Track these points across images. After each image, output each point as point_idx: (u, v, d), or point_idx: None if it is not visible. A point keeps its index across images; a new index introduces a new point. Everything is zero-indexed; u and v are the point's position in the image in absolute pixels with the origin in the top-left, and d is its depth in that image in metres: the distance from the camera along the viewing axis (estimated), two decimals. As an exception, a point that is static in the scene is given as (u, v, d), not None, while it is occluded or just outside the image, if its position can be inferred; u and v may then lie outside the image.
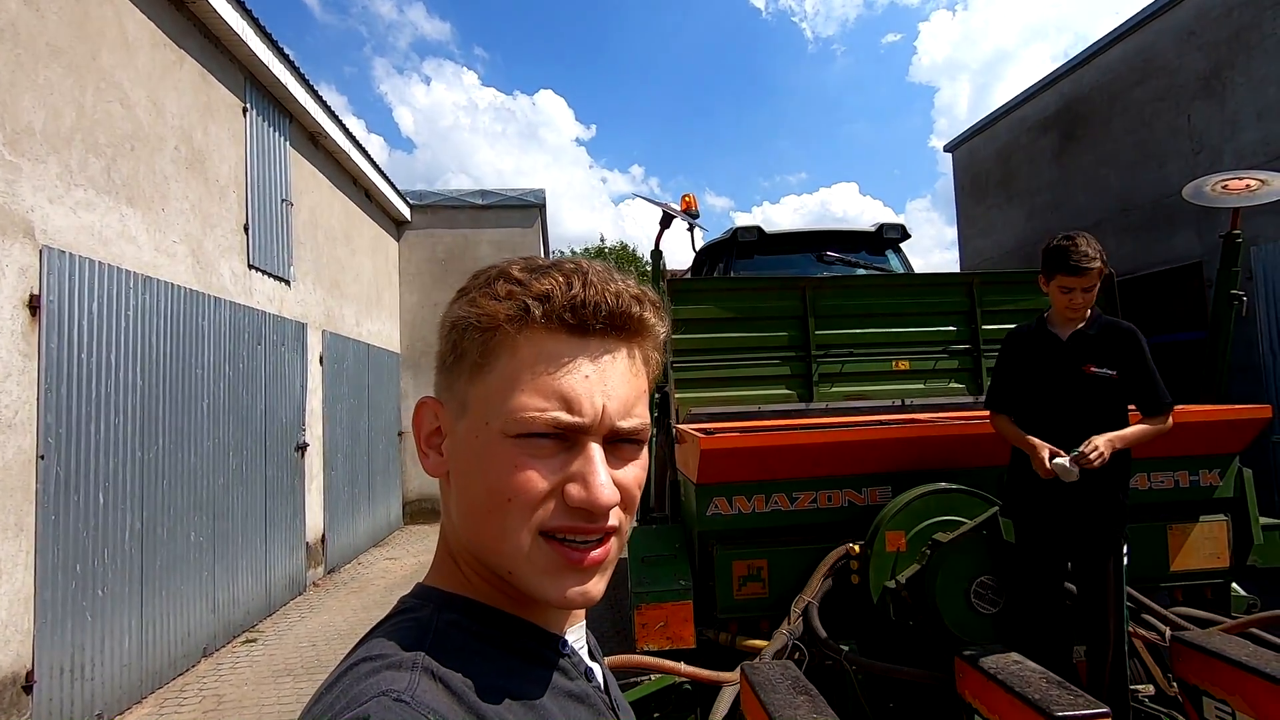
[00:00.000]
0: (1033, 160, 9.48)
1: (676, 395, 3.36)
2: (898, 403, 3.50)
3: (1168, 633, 2.49)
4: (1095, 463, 2.11)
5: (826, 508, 2.79)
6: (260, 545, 5.67)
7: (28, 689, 3.35)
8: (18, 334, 3.40)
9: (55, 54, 3.72)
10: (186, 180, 4.93)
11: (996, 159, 10.28)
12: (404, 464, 10.23)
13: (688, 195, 3.97)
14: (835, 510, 2.80)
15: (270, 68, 5.94)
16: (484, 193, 10.84)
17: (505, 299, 0.49)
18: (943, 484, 2.71)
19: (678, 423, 3.30)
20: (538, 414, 0.47)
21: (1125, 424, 2.29)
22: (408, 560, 7.87)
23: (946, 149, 11.34)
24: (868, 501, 2.80)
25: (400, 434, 10.12)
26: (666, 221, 3.43)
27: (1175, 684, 2.43)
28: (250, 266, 5.79)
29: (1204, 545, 2.88)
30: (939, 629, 2.45)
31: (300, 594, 6.41)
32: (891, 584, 2.55)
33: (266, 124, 6.21)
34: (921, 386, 3.56)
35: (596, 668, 0.57)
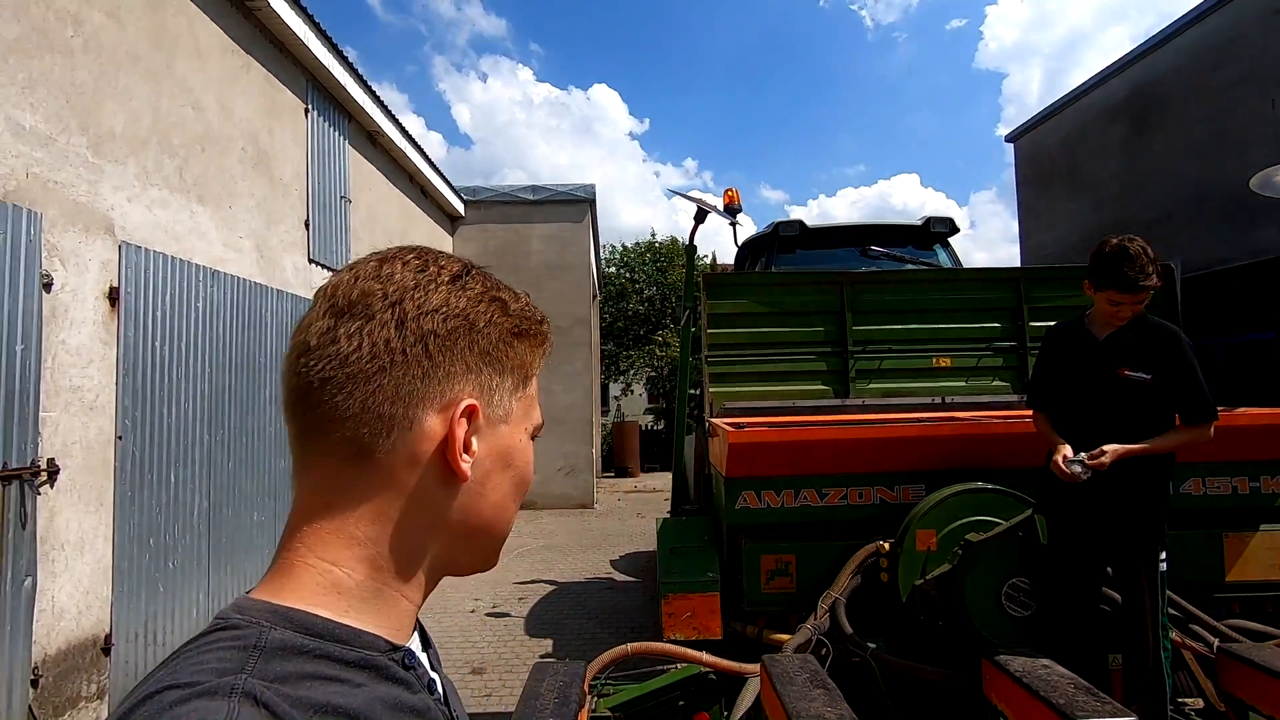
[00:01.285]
0: (1100, 149, 9.05)
1: (711, 389, 3.38)
2: (937, 400, 3.43)
3: (1215, 644, 2.39)
4: (1084, 472, 2.08)
5: (857, 504, 2.77)
6: (318, 526, 5.96)
7: (106, 651, 3.63)
8: (99, 323, 3.68)
9: (134, 62, 3.98)
10: (252, 179, 5.21)
11: (1061, 149, 9.85)
12: (455, 453, 10.53)
13: (730, 190, 3.97)
14: (866, 507, 2.78)
15: (330, 69, 6.20)
16: (535, 188, 11.02)
17: (541, 327, 0.58)
18: (977, 483, 2.66)
19: (711, 416, 3.33)
20: (542, 417, 0.59)
21: (1166, 429, 2.20)
22: (457, 546, 8.13)
23: (1008, 139, 10.92)
24: (899, 499, 2.77)
25: (452, 423, 10.41)
26: (701, 217, 3.44)
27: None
28: (311, 261, 6.07)
29: (1264, 555, 2.74)
30: (968, 630, 2.41)
31: (355, 574, 6.70)
32: (921, 583, 2.52)
33: (327, 124, 6.49)
34: (963, 384, 3.48)
35: (438, 679, 0.56)
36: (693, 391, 4.47)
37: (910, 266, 4.39)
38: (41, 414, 3.28)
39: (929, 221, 4.57)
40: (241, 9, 5.11)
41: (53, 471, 3.34)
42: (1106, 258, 2.18)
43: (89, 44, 3.65)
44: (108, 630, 3.67)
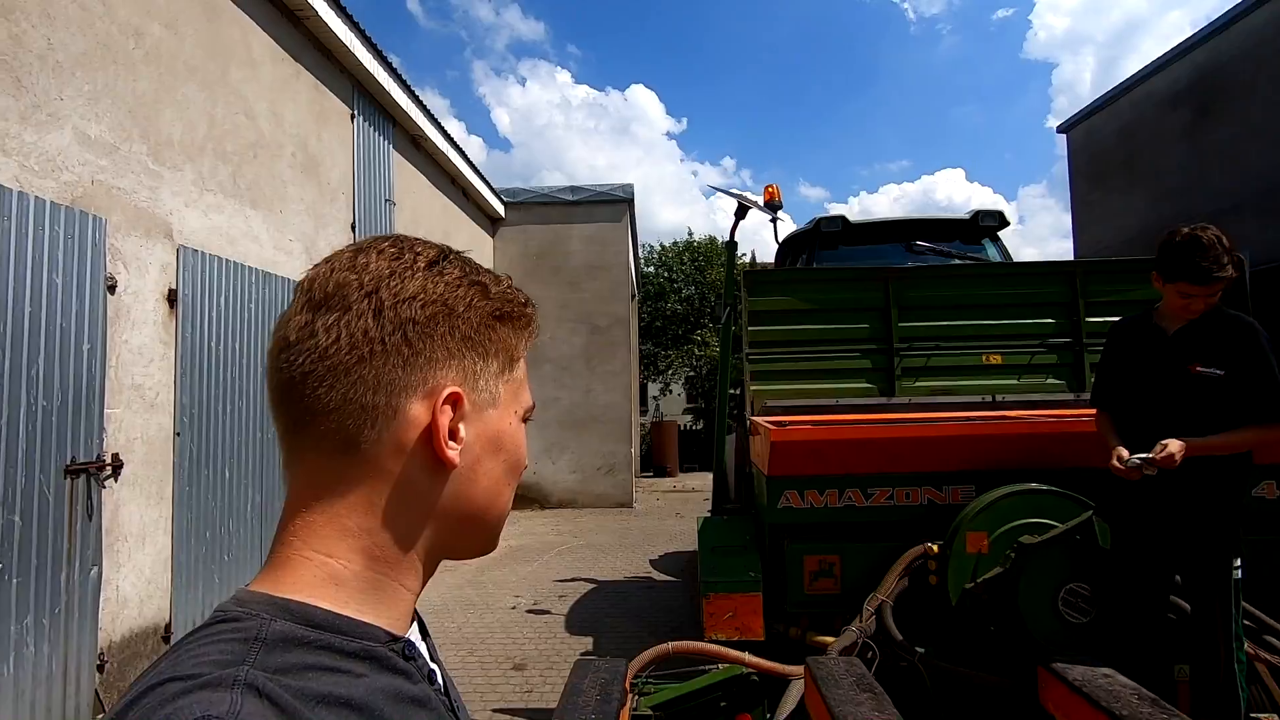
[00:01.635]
0: (1160, 139, 8.66)
1: (752, 387, 3.34)
2: (988, 398, 3.32)
3: (1293, 657, 2.25)
4: (1155, 465, 1.97)
5: (904, 505, 2.70)
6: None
7: (166, 639, 3.78)
8: (159, 324, 3.83)
9: (192, 72, 4.14)
10: (302, 184, 5.36)
11: (1118, 139, 9.46)
12: (496, 451, 10.66)
13: (770, 186, 3.92)
14: (913, 508, 2.71)
15: (376, 76, 6.34)
16: (574, 188, 11.09)
17: (525, 310, 0.57)
18: (1031, 484, 2.56)
19: (752, 414, 3.29)
20: (532, 400, 0.59)
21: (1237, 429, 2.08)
22: (499, 543, 8.21)
23: (1061, 129, 10.55)
24: (949, 500, 2.69)
25: (493, 422, 10.55)
26: (741, 213, 3.40)
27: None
28: (357, 263, 6.21)
29: (1345, 563, 2.57)
30: (1022, 635, 2.33)
31: (400, 569, 6.84)
32: (971, 586, 2.44)
33: (372, 129, 6.64)
34: (1015, 382, 3.36)
35: (438, 670, 0.56)
36: (733, 391, 4.43)
37: (956, 262, 4.27)
38: (106, 411, 3.43)
39: (977, 215, 4.44)
40: (291, 18, 5.26)
41: (117, 466, 3.49)
42: (1177, 248, 2.07)
43: (149, 55, 3.80)
44: (167, 619, 3.81)
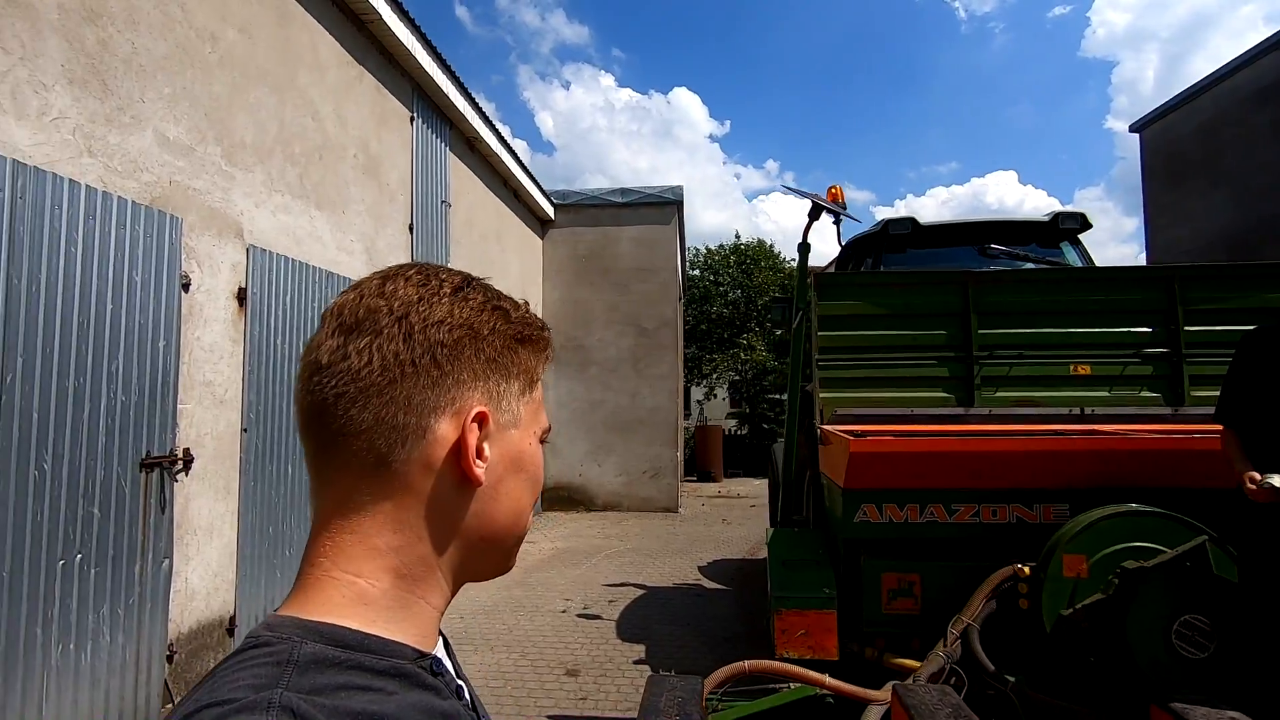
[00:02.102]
0: (1246, 137, 8.17)
1: (821, 394, 3.22)
2: (1075, 411, 3.13)
3: None
4: None
5: (990, 523, 2.55)
6: (417, 520, 6.15)
7: (230, 632, 3.84)
8: (228, 322, 3.90)
9: (263, 76, 4.22)
10: (363, 185, 5.43)
11: (1198, 137, 8.97)
12: (544, 453, 10.68)
13: (834, 187, 3.79)
14: (1000, 526, 2.55)
15: (435, 78, 6.41)
16: (624, 190, 11.07)
17: (544, 334, 0.60)
18: (1134, 505, 2.39)
19: (822, 423, 3.17)
20: (548, 425, 0.61)
21: None
22: (545, 544, 8.22)
23: (1133, 129, 10.06)
24: (1040, 519, 2.52)
25: (540, 424, 10.58)
26: (815, 213, 3.28)
27: None
28: (414, 263, 6.28)
29: None
30: (1128, 669, 2.16)
31: (450, 568, 6.88)
32: (1069, 613, 2.28)
33: (430, 131, 6.71)
34: (1105, 394, 3.15)
35: (464, 685, 0.57)
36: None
37: (1030, 266, 4.06)
38: (179, 406, 3.50)
39: (1058, 217, 4.21)
40: (355, 21, 5.34)
41: (188, 460, 3.56)
42: None
43: (224, 59, 3.88)
44: (232, 612, 3.88)
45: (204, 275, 3.71)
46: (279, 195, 4.37)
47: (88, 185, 2.98)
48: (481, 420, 0.52)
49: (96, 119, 3.07)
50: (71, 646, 2.89)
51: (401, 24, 5.71)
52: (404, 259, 6.09)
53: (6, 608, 2.61)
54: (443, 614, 0.54)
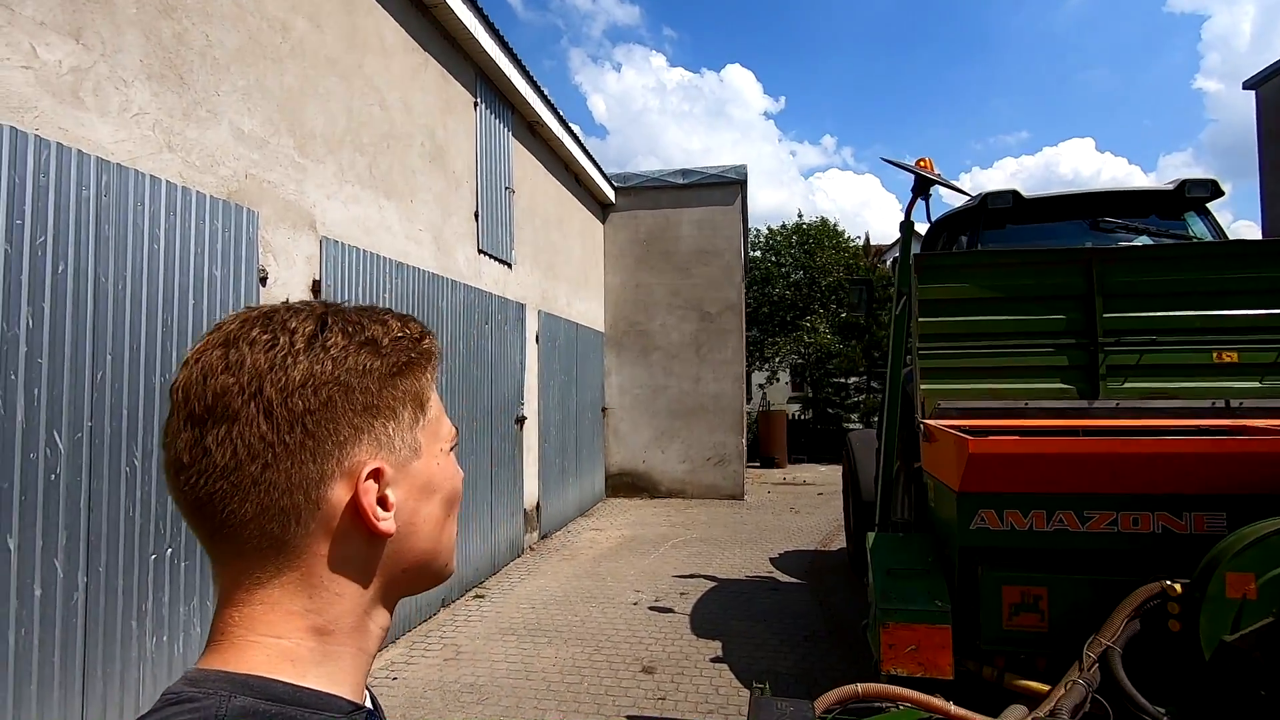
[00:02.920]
0: (1387, 90, 7.27)
1: (923, 386, 2.96)
2: (1219, 404, 2.78)
3: None
4: None
5: (1131, 533, 2.27)
6: (486, 510, 6.16)
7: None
8: (305, 315, 3.90)
9: (332, 65, 4.18)
10: (430, 173, 5.38)
11: (1325, 93, 8.05)
12: (607, 439, 10.66)
13: (924, 159, 3.49)
14: (1143, 537, 2.27)
15: (497, 62, 6.30)
16: (685, 171, 10.80)
17: (421, 346, 0.55)
18: (1311, 516, 2.07)
19: (924, 417, 2.91)
20: (453, 426, 0.58)
21: None
22: (612, 532, 8.17)
23: (1247, 85, 9.14)
24: (1190, 530, 2.23)
25: (605, 409, 10.54)
26: (923, 188, 2.99)
27: None
28: (480, 251, 6.23)
29: None
30: (1311, 708, 1.87)
31: (519, 556, 6.90)
32: (1233, 639, 2.00)
33: (493, 116, 6.62)
34: (1256, 385, 2.79)
35: None
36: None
37: (1169, 241, 3.65)
38: (260, 400, 3.51)
39: (1184, 185, 3.77)
40: (419, 6, 5.26)
41: (269, 454, 3.58)
42: None
43: (295, 50, 3.84)
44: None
45: (280, 268, 3.71)
46: (349, 186, 4.34)
47: (168, 181, 2.98)
48: (377, 475, 0.50)
49: (175, 114, 3.05)
50: (164, 638, 2.93)
51: (465, 7, 5.61)
52: (470, 247, 6.04)
53: (104, 600, 2.65)
54: (377, 648, 0.53)
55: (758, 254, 18.79)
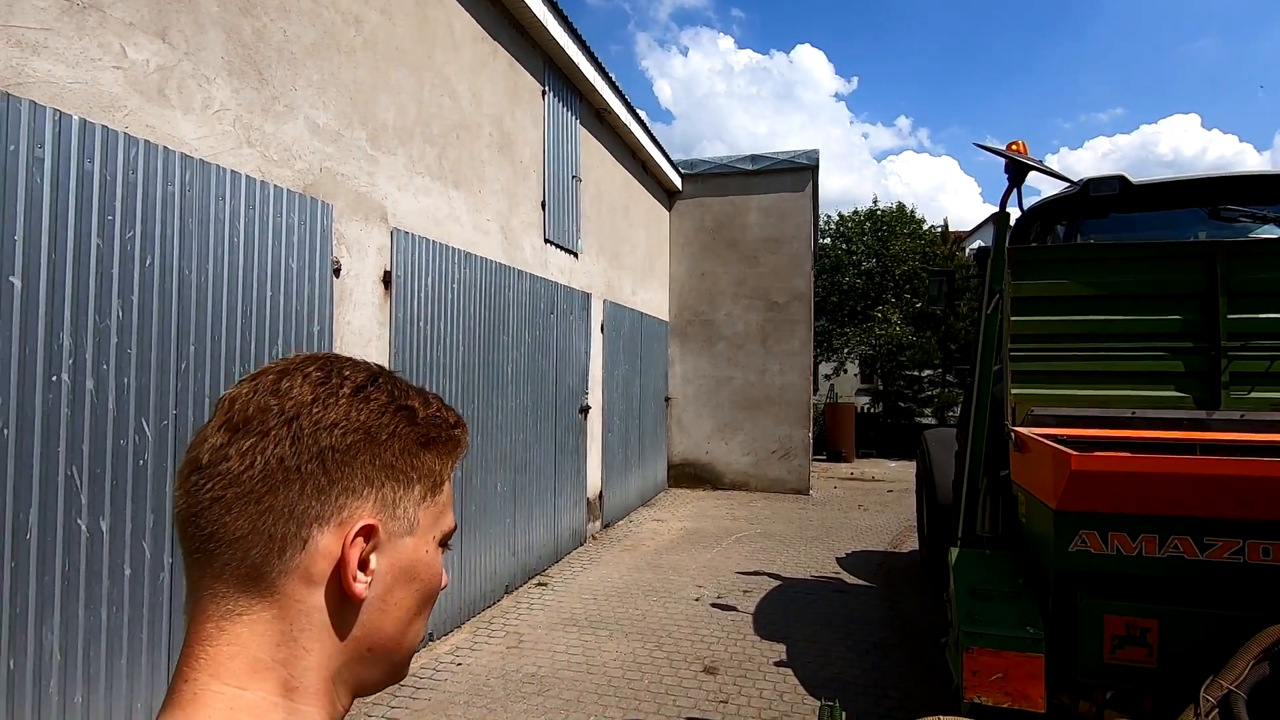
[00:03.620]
0: None
1: (1014, 390, 2.74)
2: (1367, 419, 2.46)
3: None
4: None
5: (1261, 564, 2.02)
6: (550, 498, 6.19)
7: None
8: (375, 305, 3.96)
9: (402, 56, 4.20)
10: (498, 163, 5.39)
11: None
12: (670, 429, 10.59)
13: (1016, 142, 3.21)
14: (1273, 569, 2.02)
15: (566, 50, 6.24)
16: (754, 157, 10.53)
17: (453, 433, 0.56)
18: None
19: (1014, 423, 2.70)
20: (454, 521, 0.58)
21: None
22: (674, 523, 8.11)
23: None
24: (1334, 564, 1.97)
25: (668, 399, 10.46)
26: (1020, 174, 2.74)
27: None
28: (546, 241, 6.23)
29: None
30: None
31: (581, 545, 6.93)
32: (1386, 693, 1.75)
33: (561, 104, 6.58)
34: None
35: None
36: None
37: (1277, 231, 3.26)
38: (333, 389, 3.59)
39: (1324, 168, 3.36)
40: (489, -4, 5.25)
41: (341, 442, 3.66)
42: None
43: (367, 42, 3.88)
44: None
45: (352, 260, 3.77)
46: (419, 177, 4.38)
47: (247, 175, 3.05)
48: (368, 533, 0.50)
49: (254, 109, 3.12)
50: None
51: (534, -6, 5.57)
52: (536, 236, 6.04)
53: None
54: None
55: (827, 241, 18.24)
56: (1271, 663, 1.93)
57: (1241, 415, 2.54)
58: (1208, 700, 1.91)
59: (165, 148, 2.67)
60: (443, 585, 0.57)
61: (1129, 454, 2.16)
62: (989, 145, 2.69)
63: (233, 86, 3.01)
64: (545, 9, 5.76)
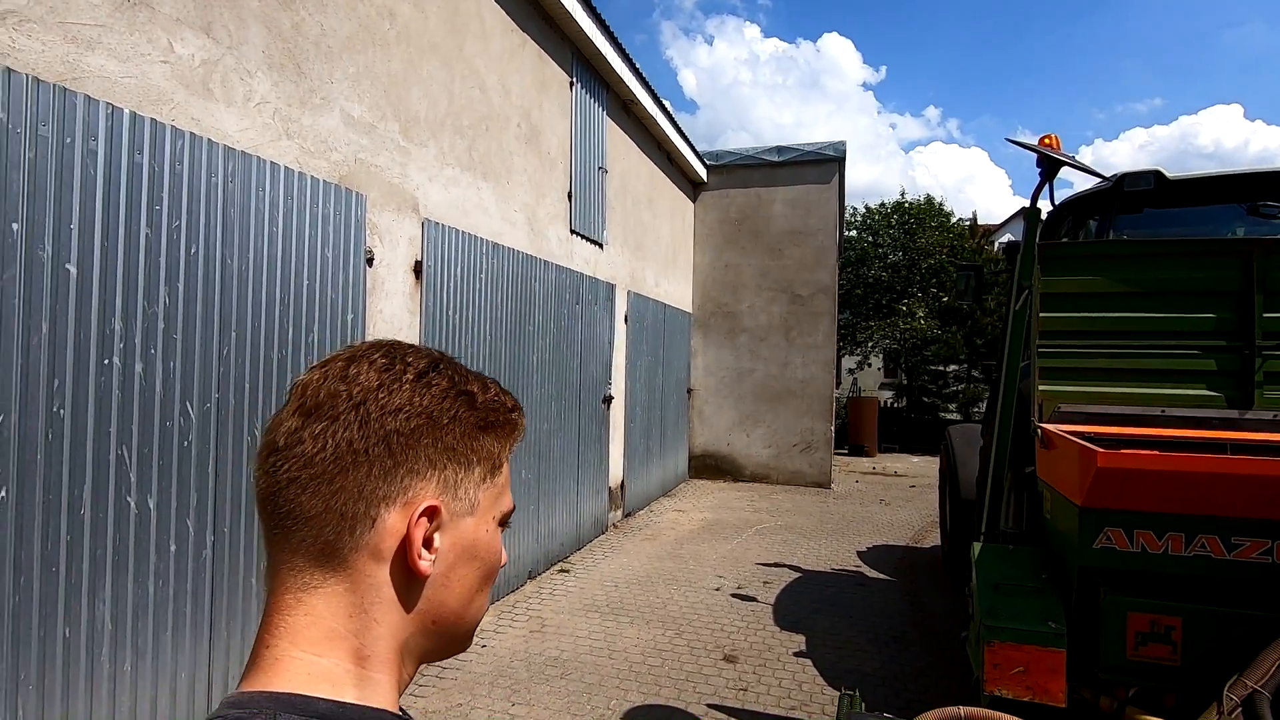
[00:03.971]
0: None
1: (1041, 386, 2.73)
2: (1406, 420, 2.41)
3: None
4: None
5: (1290, 564, 2.01)
6: (573, 486, 6.27)
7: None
8: (406, 294, 4.05)
9: (434, 49, 4.26)
10: (525, 154, 5.44)
11: None
12: (691, 420, 10.62)
13: (1048, 136, 3.18)
14: (1304, 570, 2.00)
15: (594, 40, 6.26)
16: (780, 149, 10.47)
17: (511, 416, 0.59)
18: None
19: (1041, 420, 2.69)
20: (512, 501, 0.61)
21: None
22: (695, 514, 8.16)
23: None
24: (1366, 566, 1.95)
25: (690, 391, 10.49)
26: (1052, 169, 2.72)
27: None
28: (572, 232, 6.28)
29: None
30: None
31: (603, 533, 7.01)
32: None
33: (588, 95, 6.61)
34: None
35: None
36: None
37: None
38: (365, 376, 3.68)
39: (1370, 164, 3.27)
40: (519, -12, 5.29)
41: (373, 427, 3.75)
42: None
43: (400, 35, 3.94)
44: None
45: (385, 249, 3.86)
46: (450, 169, 4.45)
47: (285, 167, 3.13)
48: (432, 513, 0.53)
49: (292, 102, 3.20)
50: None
51: (563, -14, 5.60)
52: (562, 227, 6.10)
53: (228, 559, 2.87)
54: (401, 694, 0.55)
55: (853, 233, 18.06)
56: (1298, 663, 1.93)
57: (1275, 415, 2.51)
58: (1231, 699, 1.92)
59: (209, 140, 2.75)
60: (502, 563, 0.60)
61: (1156, 452, 2.16)
62: (1021, 140, 2.67)
63: (272, 80, 3.09)
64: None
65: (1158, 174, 3.54)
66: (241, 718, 0.44)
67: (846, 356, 17.86)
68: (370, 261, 3.71)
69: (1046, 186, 2.93)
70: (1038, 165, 2.72)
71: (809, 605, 5.16)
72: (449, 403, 0.55)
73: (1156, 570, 2.12)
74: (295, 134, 3.22)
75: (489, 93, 4.90)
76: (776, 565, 6.17)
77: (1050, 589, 2.29)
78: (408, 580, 0.53)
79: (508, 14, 5.14)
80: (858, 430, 14.10)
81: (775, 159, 10.44)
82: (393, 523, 0.51)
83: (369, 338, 3.67)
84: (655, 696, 3.70)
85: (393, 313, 3.92)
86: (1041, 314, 2.75)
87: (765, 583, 5.66)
